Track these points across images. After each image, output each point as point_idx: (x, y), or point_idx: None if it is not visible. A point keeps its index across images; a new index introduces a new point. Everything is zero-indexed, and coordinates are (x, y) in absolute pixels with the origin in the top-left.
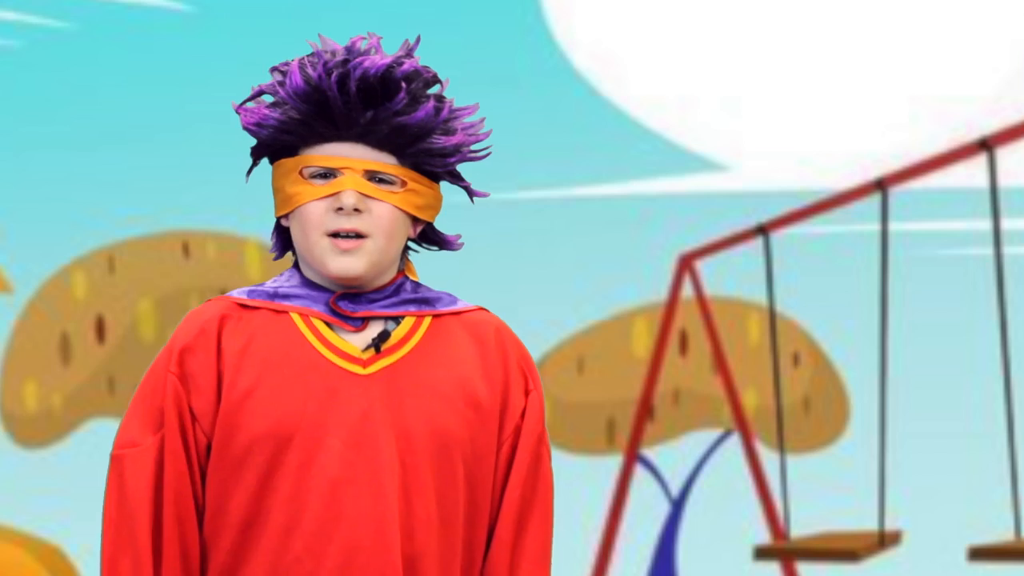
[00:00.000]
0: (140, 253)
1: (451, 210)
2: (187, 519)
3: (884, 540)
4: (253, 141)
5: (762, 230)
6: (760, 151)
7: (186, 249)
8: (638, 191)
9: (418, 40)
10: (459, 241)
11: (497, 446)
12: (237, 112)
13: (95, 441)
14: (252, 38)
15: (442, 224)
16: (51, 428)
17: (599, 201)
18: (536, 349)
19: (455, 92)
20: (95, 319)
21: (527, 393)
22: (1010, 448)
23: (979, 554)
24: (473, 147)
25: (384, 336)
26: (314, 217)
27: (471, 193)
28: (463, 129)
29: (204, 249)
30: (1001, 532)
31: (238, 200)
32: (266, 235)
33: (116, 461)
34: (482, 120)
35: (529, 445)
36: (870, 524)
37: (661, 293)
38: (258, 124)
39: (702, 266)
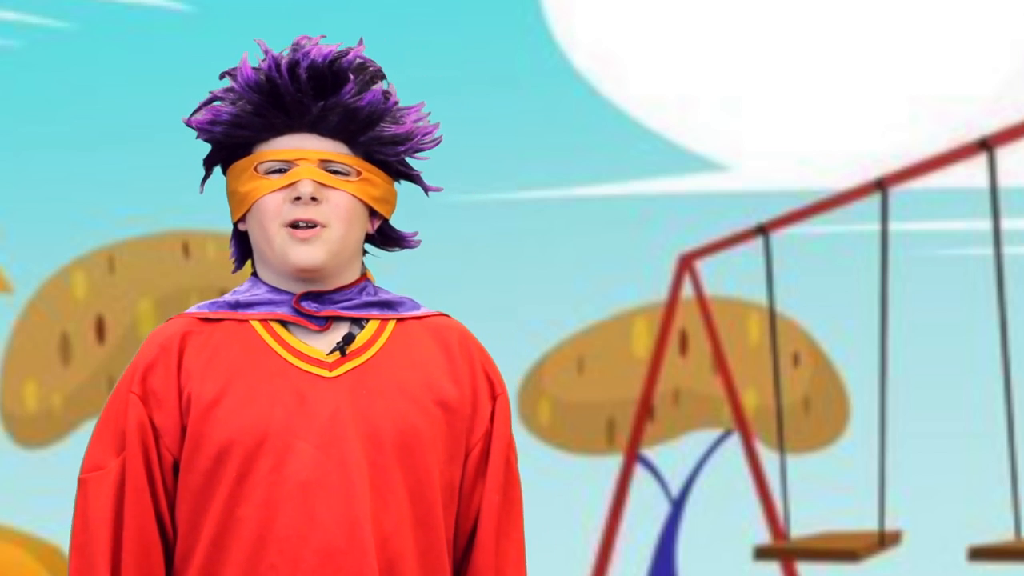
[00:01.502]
0: (140, 253)
1: (450, 209)
2: (150, 541)
3: (884, 540)
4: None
5: (762, 230)
6: (760, 151)
7: (186, 249)
8: (638, 191)
9: (360, 42)
10: (416, 238)
11: (467, 450)
12: (188, 125)
13: None
14: (252, 38)
15: (441, 223)
16: (51, 428)
17: (599, 201)
18: (536, 349)
19: (455, 92)
20: (95, 319)
21: (495, 397)
22: (1010, 448)
23: (979, 554)
24: (423, 138)
25: (349, 339)
26: (271, 209)
27: (424, 186)
28: (412, 121)
29: (204, 249)
30: (1001, 532)
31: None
32: None
33: (82, 485)
34: (429, 113)
35: (501, 450)
36: (870, 524)
37: (661, 293)
38: (212, 122)
39: (702, 266)
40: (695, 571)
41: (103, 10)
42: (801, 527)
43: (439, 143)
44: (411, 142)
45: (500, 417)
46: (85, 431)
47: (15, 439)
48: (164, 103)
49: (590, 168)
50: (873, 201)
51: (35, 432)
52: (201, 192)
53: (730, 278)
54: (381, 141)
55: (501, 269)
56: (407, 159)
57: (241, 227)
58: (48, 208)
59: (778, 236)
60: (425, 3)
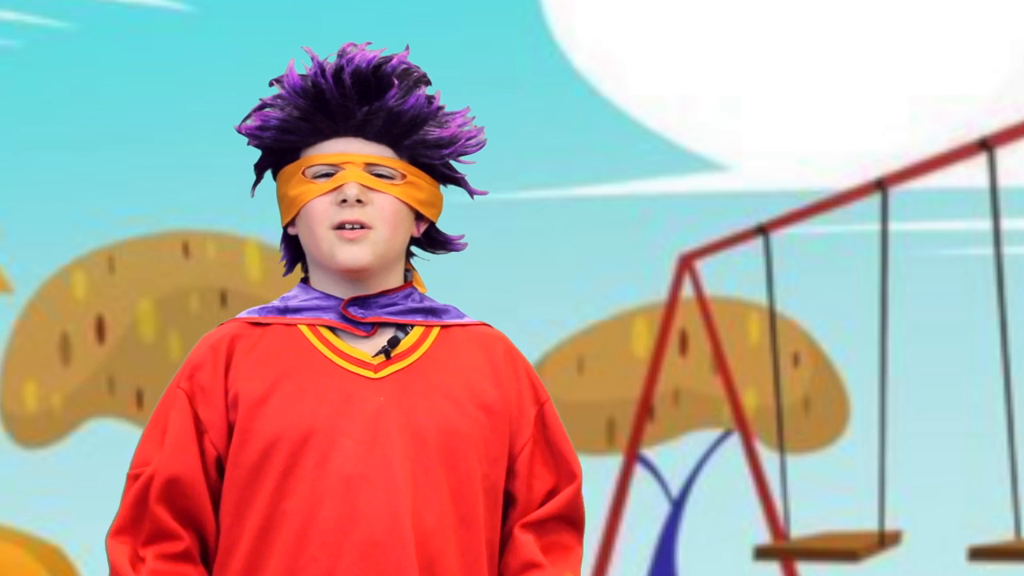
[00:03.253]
0: (140, 253)
1: (451, 209)
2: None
3: (884, 540)
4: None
5: (762, 230)
6: (760, 151)
7: (186, 249)
8: (638, 191)
9: (407, 48)
10: (462, 241)
11: (512, 454)
12: (240, 132)
13: (95, 441)
14: (252, 38)
15: (443, 223)
16: (51, 428)
17: (599, 201)
18: (536, 349)
19: (455, 92)
20: (95, 319)
21: (540, 403)
22: (1010, 448)
23: (979, 554)
24: (467, 142)
25: (395, 342)
26: (319, 212)
27: (469, 190)
28: (457, 124)
29: (204, 249)
30: (1001, 532)
31: (238, 200)
32: (266, 235)
33: (131, 480)
34: (473, 118)
35: (557, 444)
36: (870, 524)
37: (661, 293)
38: (260, 128)
39: (702, 266)
40: (695, 571)
41: (103, 10)
42: (801, 527)
43: (483, 146)
44: (455, 145)
45: (552, 419)
46: (85, 431)
47: (15, 439)
48: (164, 103)
49: (590, 168)
50: (873, 201)
51: (35, 432)
52: (252, 196)
53: (730, 278)
54: (426, 144)
55: (501, 269)
56: (452, 162)
57: (291, 231)
58: (48, 208)
59: (778, 236)
60: (425, 3)
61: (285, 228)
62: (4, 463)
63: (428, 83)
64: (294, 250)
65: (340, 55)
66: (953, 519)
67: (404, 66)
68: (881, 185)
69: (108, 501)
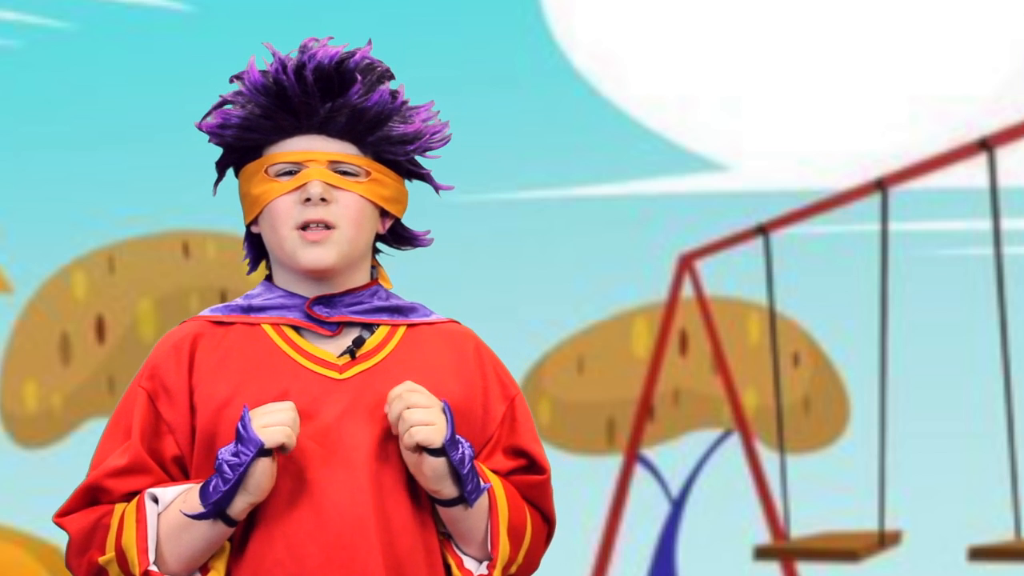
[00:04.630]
0: (140, 253)
1: (450, 209)
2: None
3: (884, 540)
4: None
5: (762, 230)
6: (760, 151)
7: (186, 249)
8: (638, 191)
9: (369, 43)
10: (428, 237)
11: (478, 452)
12: (199, 128)
13: (95, 441)
14: (252, 38)
15: (441, 223)
16: (51, 428)
17: (599, 201)
18: (536, 349)
19: (456, 92)
20: (95, 319)
21: (508, 399)
22: (1010, 448)
23: (979, 554)
24: (432, 137)
25: (359, 342)
26: (282, 211)
27: (435, 185)
28: (421, 120)
29: (204, 249)
30: (1001, 532)
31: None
32: None
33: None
34: (438, 112)
35: (528, 444)
36: (870, 524)
37: (661, 293)
38: (221, 125)
39: (702, 266)
40: (695, 571)
41: (103, 10)
42: (801, 527)
43: (448, 141)
44: (420, 141)
45: (522, 414)
46: (85, 431)
47: (15, 439)
48: (164, 103)
49: (590, 168)
50: (873, 201)
51: (35, 432)
52: (214, 195)
53: (730, 278)
54: (390, 141)
55: (501, 269)
56: (417, 158)
57: (254, 229)
58: (48, 208)
59: (778, 236)
60: (425, 3)
61: (248, 226)
62: (4, 463)
63: (392, 78)
64: (258, 248)
65: (302, 51)
66: (953, 519)
67: (367, 61)
68: (881, 185)
69: None
